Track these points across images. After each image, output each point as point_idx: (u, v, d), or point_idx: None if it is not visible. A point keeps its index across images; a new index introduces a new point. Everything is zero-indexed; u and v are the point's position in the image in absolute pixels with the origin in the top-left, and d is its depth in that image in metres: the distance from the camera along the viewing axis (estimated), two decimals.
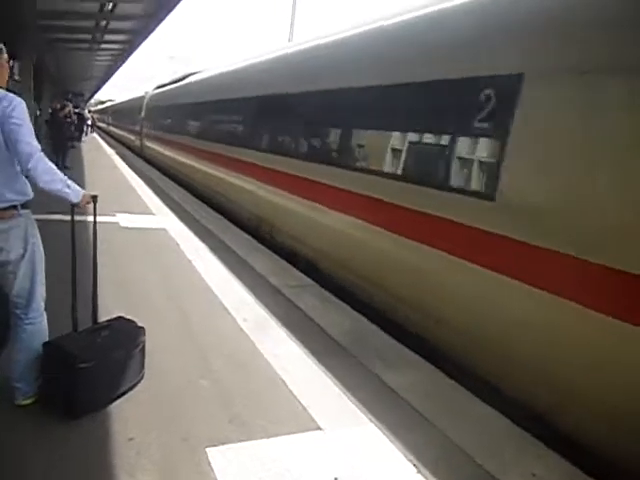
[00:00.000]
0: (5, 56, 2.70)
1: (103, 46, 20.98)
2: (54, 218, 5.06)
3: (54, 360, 2.66)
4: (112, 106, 46.13)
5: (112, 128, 41.39)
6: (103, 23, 15.74)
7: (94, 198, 2.89)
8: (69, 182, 2.70)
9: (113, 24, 15.80)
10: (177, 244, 6.62)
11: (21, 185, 2.61)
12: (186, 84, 15.54)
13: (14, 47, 15.93)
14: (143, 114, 21.81)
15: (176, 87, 16.98)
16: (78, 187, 2.77)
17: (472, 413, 3.37)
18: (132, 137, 25.75)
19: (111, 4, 13.02)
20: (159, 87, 20.94)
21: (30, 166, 2.50)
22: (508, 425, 3.25)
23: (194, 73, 15.66)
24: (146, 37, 17.77)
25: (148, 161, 19.77)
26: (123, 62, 27.15)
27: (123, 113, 32.46)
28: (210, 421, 2.86)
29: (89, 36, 18.00)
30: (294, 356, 3.77)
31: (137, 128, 23.35)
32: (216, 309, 4.52)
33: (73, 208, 2.85)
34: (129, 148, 26.29)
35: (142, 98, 23.17)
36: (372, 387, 3.48)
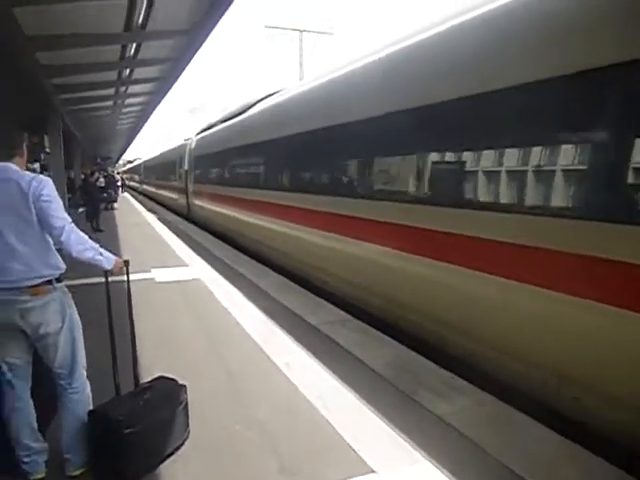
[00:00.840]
0: (26, 142, 2.83)
1: (125, 110, 21.92)
2: (88, 282, 5.19)
3: (100, 428, 2.68)
4: (145, 162, 39.97)
5: (146, 187, 37.00)
6: (122, 89, 16.49)
7: (126, 263, 2.97)
8: (101, 250, 2.78)
9: (132, 88, 16.54)
10: (211, 292, 6.68)
11: (55, 259, 2.69)
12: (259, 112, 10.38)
13: (42, 122, 16.86)
14: (187, 165, 18.12)
15: (239, 121, 11.79)
16: (110, 254, 2.85)
17: (528, 436, 3.23)
18: (174, 196, 21.72)
19: (128, 70, 13.65)
20: (206, 129, 16.36)
21: (63, 238, 2.60)
22: (569, 446, 3.09)
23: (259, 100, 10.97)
24: (164, 95, 18.47)
25: (201, 225, 15.73)
26: (145, 121, 28.25)
27: (159, 169, 27.74)
28: (260, 474, 2.80)
29: (110, 102, 18.86)
30: (339, 396, 3.69)
31: (180, 184, 19.49)
32: (256, 355, 4.50)
33: (106, 273, 2.92)
34: (171, 210, 22.67)
35: (184, 146, 19.27)
36: (421, 420, 3.38)
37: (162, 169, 26.01)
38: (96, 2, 7.88)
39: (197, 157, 16.48)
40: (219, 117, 15.29)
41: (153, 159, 33.11)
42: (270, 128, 9.10)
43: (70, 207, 17.91)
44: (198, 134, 17.57)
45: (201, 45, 10.74)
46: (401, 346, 4.67)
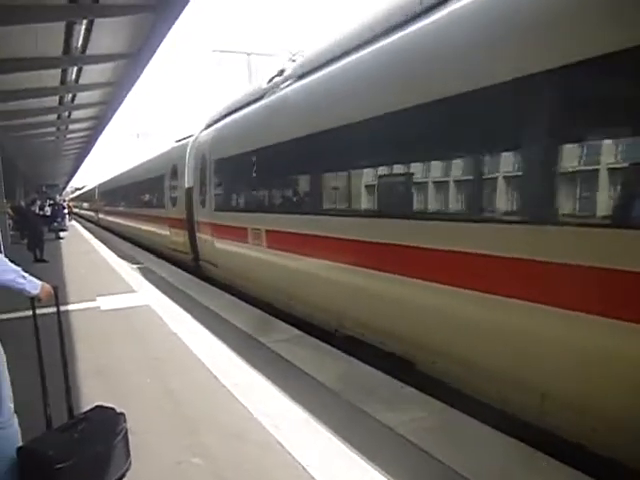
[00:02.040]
0: None
1: (69, 136, 21.35)
2: (19, 315, 4.93)
3: (30, 464, 2.51)
4: (107, 183, 29.04)
5: (104, 216, 28.79)
6: (65, 114, 16.07)
7: (55, 289, 2.83)
8: (23, 273, 2.65)
9: (75, 113, 16.14)
10: (160, 317, 6.49)
11: None
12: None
13: None
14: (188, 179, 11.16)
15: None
16: (35, 279, 2.72)
17: (480, 442, 3.26)
18: (162, 232, 13.84)
19: (70, 95, 13.33)
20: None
21: None
22: (517, 445, 3.15)
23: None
24: (109, 120, 18.11)
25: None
26: (92, 146, 27.57)
27: (135, 188, 18.74)
28: None
29: (54, 129, 18.33)
30: (289, 413, 3.63)
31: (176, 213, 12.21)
32: (203, 378, 4.38)
33: (33, 301, 2.78)
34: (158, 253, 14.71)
35: (180, 149, 12.16)
36: (372, 432, 3.36)
37: (135, 190, 18.65)
38: (33, 25, 7.69)
39: (217, 162, 9.53)
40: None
41: (123, 175, 22.96)
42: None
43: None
44: (210, 126, 10.34)
45: (143, 69, 10.64)
46: (353, 359, 4.66)
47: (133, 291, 8.38)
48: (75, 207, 53.25)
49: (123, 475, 2.86)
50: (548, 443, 3.13)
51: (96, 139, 23.98)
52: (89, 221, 39.47)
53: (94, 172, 64.50)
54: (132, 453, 2.96)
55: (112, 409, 2.97)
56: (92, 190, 37.71)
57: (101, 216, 31.69)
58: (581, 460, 2.95)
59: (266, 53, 28.58)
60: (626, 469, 2.79)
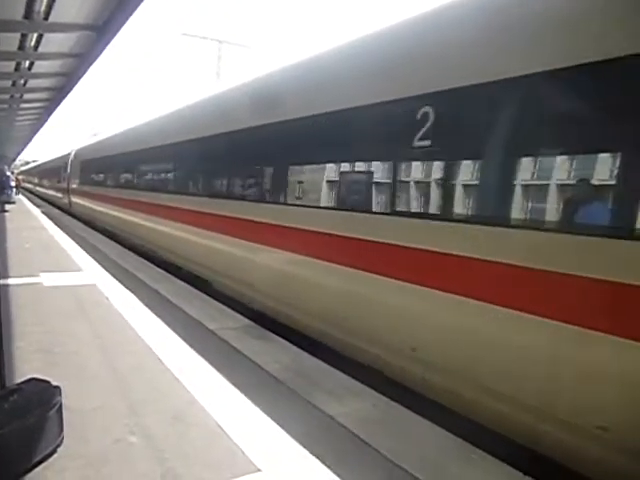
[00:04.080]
0: None
1: (23, 105, 20.35)
2: None
3: None
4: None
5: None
6: (21, 82, 15.32)
7: None
8: None
9: (32, 82, 15.41)
10: (107, 298, 6.31)
11: None
12: None
13: None
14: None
15: None
16: None
17: (416, 433, 3.35)
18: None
19: (27, 62, 12.72)
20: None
21: None
22: (451, 438, 3.25)
23: None
24: (66, 94, 17.38)
25: None
26: (46, 120, 26.37)
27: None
28: None
29: (7, 96, 17.43)
30: (232, 399, 3.62)
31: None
32: (148, 360, 4.30)
33: None
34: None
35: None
36: (312, 420, 3.40)
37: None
38: None
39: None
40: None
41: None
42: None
43: None
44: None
45: (108, 43, 10.26)
46: (301, 351, 4.69)
47: (80, 270, 8.11)
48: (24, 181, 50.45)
49: (54, 450, 2.79)
50: (479, 436, 3.27)
51: (51, 112, 22.96)
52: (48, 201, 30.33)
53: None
54: (69, 430, 2.89)
55: (47, 382, 2.88)
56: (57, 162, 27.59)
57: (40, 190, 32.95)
58: (509, 453, 3.10)
59: (238, 43, 28.27)
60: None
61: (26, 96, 18.02)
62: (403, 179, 4.21)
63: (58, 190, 25.95)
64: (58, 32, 9.96)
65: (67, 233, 13.45)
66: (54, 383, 2.89)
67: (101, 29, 9.49)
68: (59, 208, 24.57)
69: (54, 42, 10.81)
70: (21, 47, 11.01)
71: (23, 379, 2.91)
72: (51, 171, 29.30)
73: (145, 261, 9.80)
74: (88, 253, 9.87)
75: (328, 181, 5.18)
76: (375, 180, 4.53)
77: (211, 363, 4.24)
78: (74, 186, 20.79)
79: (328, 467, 2.81)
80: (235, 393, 3.71)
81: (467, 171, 3.77)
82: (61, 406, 2.82)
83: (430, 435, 3.34)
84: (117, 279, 7.45)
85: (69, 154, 22.63)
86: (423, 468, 2.92)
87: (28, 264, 7.97)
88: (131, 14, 8.61)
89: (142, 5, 8.02)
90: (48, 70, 13.67)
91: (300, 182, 5.69)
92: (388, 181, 4.31)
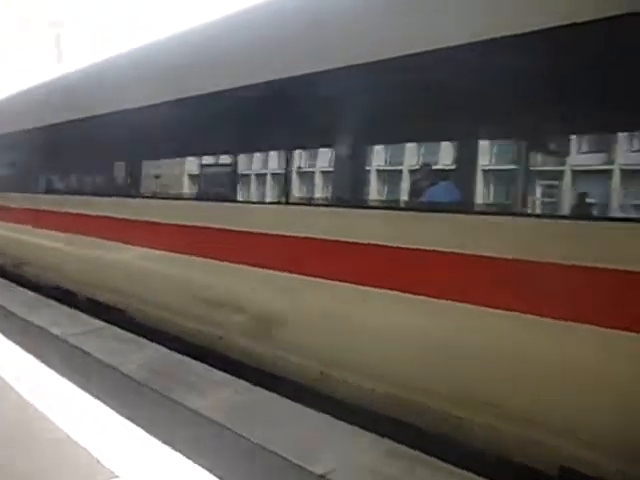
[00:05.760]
0: None
1: None
2: None
3: None
4: None
5: None
6: None
7: None
8: None
9: None
10: None
11: None
12: None
13: None
14: None
15: None
16: None
17: (284, 415, 3.36)
18: None
19: None
20: None
21: None
22: (322, 418, 3.28)
23: None
24: None
25: None
26: None
27: None
28: None
29: None
30: (82, 407, 3.33)
31: None
32: None
33: None
34: None
35: None
36: (173, 417, 3.26)
37: None
38: None
39: None
40: None
41: None
42: None
43: None
44: None
45: None
46: (159, 347, 4.47)
47: None
48: None
49: None
50: (348, 413, 3.37)
51: None
52: None
53: None
54: None
55: None
56: None
57: None
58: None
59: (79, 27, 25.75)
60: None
61: None
62: None
63: None
64: None
65: None
66: None
67: None
68: None
69: None
70: None
71: None
72: None
73: None
74: None
75: None
76: None
77: (54, 370, 3.84)
78: None
79: (193, 462, 2.71)
80: (86, 399, 3.41)
81: None
82: None
83: (299, 417, 3.36)
84: None
85: None
86: (293, 449, 2.93)
87: None
88: None
89: None
90: None
91: None
92: None
